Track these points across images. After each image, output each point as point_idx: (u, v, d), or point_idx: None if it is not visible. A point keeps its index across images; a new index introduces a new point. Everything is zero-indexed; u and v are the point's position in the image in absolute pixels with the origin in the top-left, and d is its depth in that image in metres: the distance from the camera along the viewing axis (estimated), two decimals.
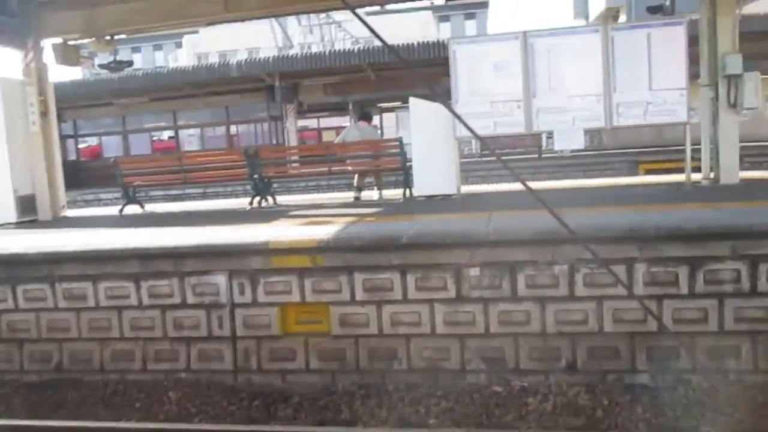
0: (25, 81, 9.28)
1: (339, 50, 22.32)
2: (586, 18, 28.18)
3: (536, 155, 21.44)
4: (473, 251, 5.30)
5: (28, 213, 9.21)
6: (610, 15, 26.10)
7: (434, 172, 8.37)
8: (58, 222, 9.11)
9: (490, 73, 8.01)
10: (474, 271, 5.31)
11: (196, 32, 41.80)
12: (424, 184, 8.50)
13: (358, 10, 3.21)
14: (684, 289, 5.01)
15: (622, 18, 24.93)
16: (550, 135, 10.80)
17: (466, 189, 9.91)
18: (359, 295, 5.51)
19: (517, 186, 10.00)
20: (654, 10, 8.88)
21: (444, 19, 48.07)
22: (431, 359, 5.44)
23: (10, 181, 8.94)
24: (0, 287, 6.24)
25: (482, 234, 5.34)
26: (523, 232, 5.24)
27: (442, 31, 45.06)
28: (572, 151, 17.14)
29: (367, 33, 34.62)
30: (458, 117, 2.99)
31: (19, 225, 8.87)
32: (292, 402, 5.36)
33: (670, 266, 5.01)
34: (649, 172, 16.17)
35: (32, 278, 6.16)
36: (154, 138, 27.43)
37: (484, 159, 21.14)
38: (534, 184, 11.21)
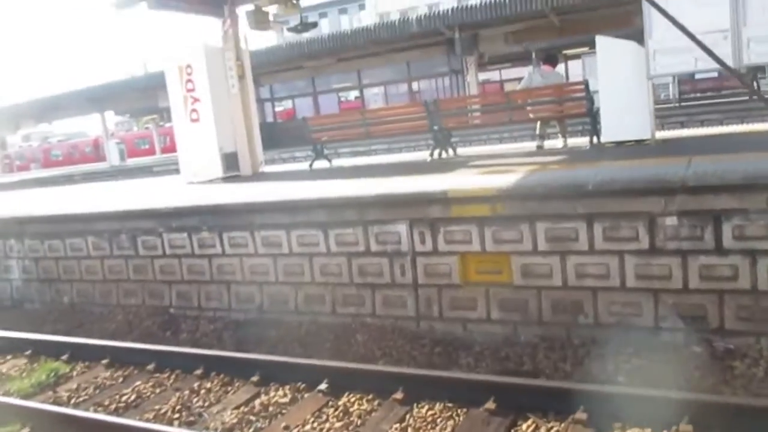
0: (224, 47, 10.08)
1: None
2: None
3: (746, 97, 19.04)
4: (669, 198, 4.82)
5: (231, 169, 10.10)
6: None
7: (625, 115, 7.74)
8: (257, 177, 9.87)
9: (690, 2, 7.13)
10: (670, 221, 4.84)
11: None
12: (614, 129, 7.90)
13: None
14: None
15: None
16: (762, 75, 9.45)
17: (662, 135, 9.08)
18: (541, 245, 5.30)
19: (725, 129, 8.95)
20: None
21: None
22: (620, 314, 5.10)
23: (216, 139, 9.85)
24: (209, 234, 6.93)
25: (680, 179, 4.83)
26: (730, 176, 4.64)
27: None
28: None
29: None
30: (670, 17, 2.67)
31: (225, 180, 9.76)
32: (473, 351, 5.36)
33: None
34: None
35: (235, 226, 6.76)
36: (342, 98, 28.68)
37: (683, 104, 19.27)
38: (742, 128, 9.98)
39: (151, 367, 5.59)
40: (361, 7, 49.88)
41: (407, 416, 4.25)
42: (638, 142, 7.75)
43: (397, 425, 4.15)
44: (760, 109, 16.56)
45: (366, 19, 48.21)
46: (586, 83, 8.23)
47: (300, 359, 5.24)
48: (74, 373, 5.83)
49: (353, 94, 29.05)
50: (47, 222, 8.22)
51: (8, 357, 6.44)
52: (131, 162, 33.68)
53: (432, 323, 5.84)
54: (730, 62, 7.14)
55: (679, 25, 2.61)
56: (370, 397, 4.56)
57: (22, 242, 8.49)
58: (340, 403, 4.55)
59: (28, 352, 6.38)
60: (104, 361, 5.87)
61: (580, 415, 3.86)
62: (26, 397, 5.30)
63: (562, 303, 5.31)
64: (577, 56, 24.42)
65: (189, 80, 9.86)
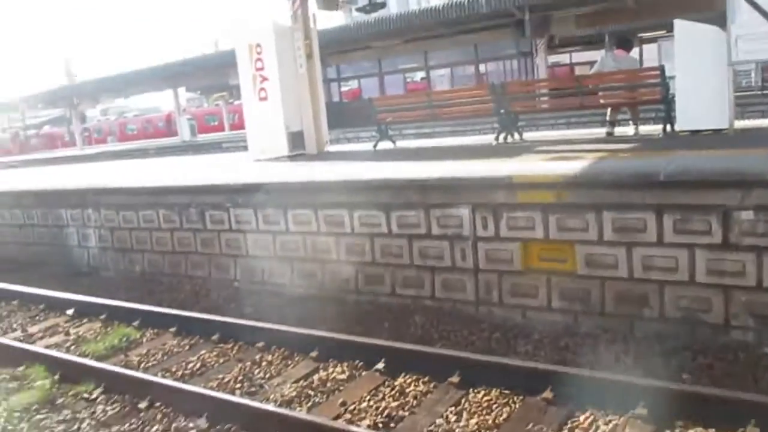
0: (293, 26, 10.18)
1: None
2: None
3: None
4: (746, 192, 4.62)
5: (297, 147, 10.26)
6: None
7: (702, 103, 7.42)
8: (322, 156, 9.99)
9: None
10: (746, 215, 4.64)
11: None
12: (689, 117, 7.60)
13: None
14: None
15: None
16: None
17: (742, 124, 8.67)
18: (607, 235, 5.18)
19: None
20: None
21: None
22: (688, 309, 4.95)
23: (283, 118, 10.01)
24: (273, 210, 7.08)
25: (759, 172, 4.61)
26: None
27: None
28: None
29: None
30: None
31: (291, 158, 9.92)
32: (532, 338, 5.31)
33: None
34: None
35: (299, 204, 6.88)
36: (408, 79, 28.57)
37: (766, 92, 18.29)
38: None
39: (215, 337, 5.79)
40: None
41: (462, 400, 4.27)
42: (715, 131, 7.43)
43: (453, 408, 4.17)
44: None
45: None
46: (661, 68, 7.92)
47: (358, 337, 5.32)
48: (144, 339, 6.11)
49: (419, 75, 28.87)
50: (122, 194, 8.59)
51: (84, 320, 6.80)
52: (201, 137, 34.59)
53: (491, 308, 5.82)
54: None
55: (763, 12, 2.48)
56: (426, 379, 4.59)
57: (99, 212, 8.90)
58: (396, 383, 4.60)
59: (102, 317, 6.71)
60: (172, 329, 6.12)
61: (640, 410, 3.78)
62: (100, 359, 5.59)
63: (626, 295, 5.19)
64: (652, 40, 23.44)
65: (258, 59, 10.02)
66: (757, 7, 2.16)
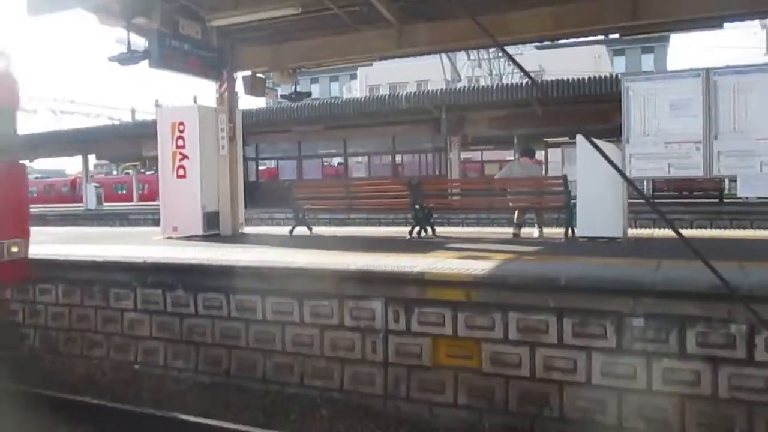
0: (218, 108, 10.32)
1: (506, 84, 22.24)
2: None
3: (716, 199, 19.77)
4: (637, 300, 5.00)
5: (212, 227, 10.17)
6: None
7: (599, 212, 8.04)
8: (237, 238, 9.93)
9: (666, 112, 7.55)
10: (637, 322, 5.01)
11: (370, 65, 43.86)
12: (588, 224, 8.19)
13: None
14: None
15: None
16: (733, 179, 9.95)
17: (635, 232, 9.39)
18: (512, 335, 5.41)
19: (693, 233, 9.31)
20: None
21: (619, 53, 46.19)
22: (585, 410, 5.18)
23: (200, 197, 9.94)
24: (183, 293, 6.92)
25: (648, 282, 5.03)
26: (696, 284, 4.85)
27: (617, 66, 43.31)
28: (759, 198, 15.57)
29: (536, 67, 34.22)
30: (600, 150, 2.89)
31: (205, 238, 9.79)
32: None
33: None
34: None
35: (210, 287, 6.77)
36: (326, 163, 29.06)
37: (657, 200, 19.89)
38: (711, 232, 10.37)
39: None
40: (353, 76, 51.22)
41: None
42: (611, 239, 8.02)
43: None
44: (730, 213, 17.20)
45: (356, 88, 49.44)
46: (564, 178, 8.56)
47: (259, 429, 5.19)
48: None
49: (337, 160, 29.47)
50: None
51: None
52: (108, 207, 33.43)
53: (399, 403, 5.84)
54: (700, 171, 7.56)
55: (601, 152, 2.84)
56: None
57: None
58: None
59: None
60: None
61: None
62: None
63: (528, 394, 5.38)
64: (557, 145, 25.20)
65: (180, 137, 10.03)
66: (596, 147, 2.51)
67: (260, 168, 29.74)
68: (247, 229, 11.50)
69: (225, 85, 10.37)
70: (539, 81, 22.08)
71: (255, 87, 10.87)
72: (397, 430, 5.47)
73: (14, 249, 6.70)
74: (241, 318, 6.61)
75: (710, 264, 2.61)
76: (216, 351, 6.76)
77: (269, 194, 23.78)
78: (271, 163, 30.74)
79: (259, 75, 11.09)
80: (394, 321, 5.84)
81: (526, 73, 2.70)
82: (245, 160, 26.34)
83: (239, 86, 10.90)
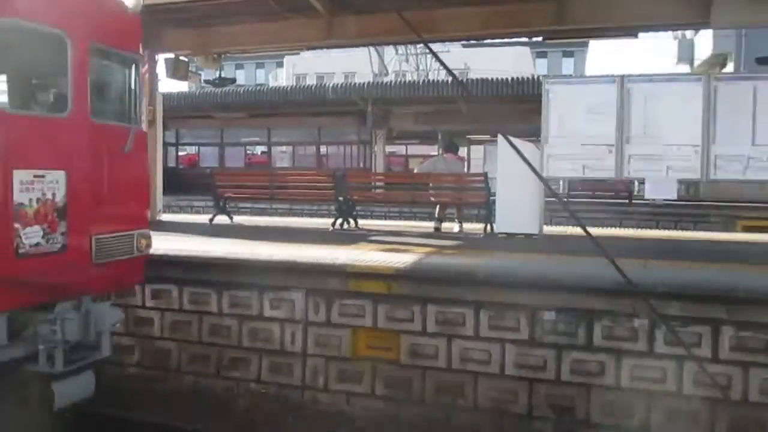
0: None
1: (432, 80, 22.54)
2: (691, 63, 27.12)
3: (626, 200, 20.77)
4: (550, 294, 5.21)
5: None
6: (718, 62, 25.10)
7: (517, 210, 8.28)
8: (155, 225, 9.58)
9: (583, 116, 7.88)
10: (549, 315, 5.22)
11: (298, 54, 43.35)
12: (506, 221, 8.42)
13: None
14: None
15: (730, 67, 23.96)
16: (642, 182, 10.51)
17: (550, 229, 9.74)
18: (431, 327, 5.52)
19: (606, 231, 9.77)
20: (763, 61, 8.47)
21: (541, 55, 47.63)
22: (498, 400, 5.36)
23: None
24: None
25: (561, 278, 5.25)
26: (603, 281, 5.09)
27: (539, 68, 44.65)
28: (665, 200, 16.50)
29: (461, 65, 34.77)
30: (519, 151, 3.02)
31: None
32: (354, 425, 5.41)
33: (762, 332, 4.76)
34: (747, 229, 15.29)
35: None
36: (249, 152, 28.54)
37: (572, 200, 20.69)
38: (620, 231, 10.92)
39: None
40: (279, 64, 50.44)
41: None
42: (528, 235, 8.29)
43: None
44: (638, 214, 18.14)
45: (282, 77, 48.73)
46: (485, 175, 8.77)
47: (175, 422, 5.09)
48: None
49: (260, 149, 29.02)
50: None
51: None
52: None
53: (317, 394, 5.85)
54: (612, 174, 7.92)
55: (525, 160, 2.97)
56: None
57: None
58: None
59: None
60: None
61: None
62: None
63: (445, 384, 5.51)
64: (480, 142, 25.77)
65: None
66: (514, 147, 2.65)
67: (180, 154, 28.88)
68: (165, 217, 11.16)
69: (145, 67, 9.99)
70: (464, 79, 22.51)
71: (177, 70, 10.54)
72: (314, 421, 5.47)
73: (143, 242, 5.27)
74: (155, 308, 6.42)
75: (615, 261, 2.75)
76: (125, 340, 6.54)
77: (189, 181, 23.15)
78: (192, 149, 29.90)
79: (182, 58, 10.76)
80: (315, 312, 5.84)
81: (449, 71, 2.76)
82: (165, 145, 25.55)
83: (161, 69, 10.55)
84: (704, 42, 25.21)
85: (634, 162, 7.75)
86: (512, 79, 19.70)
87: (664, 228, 14.50)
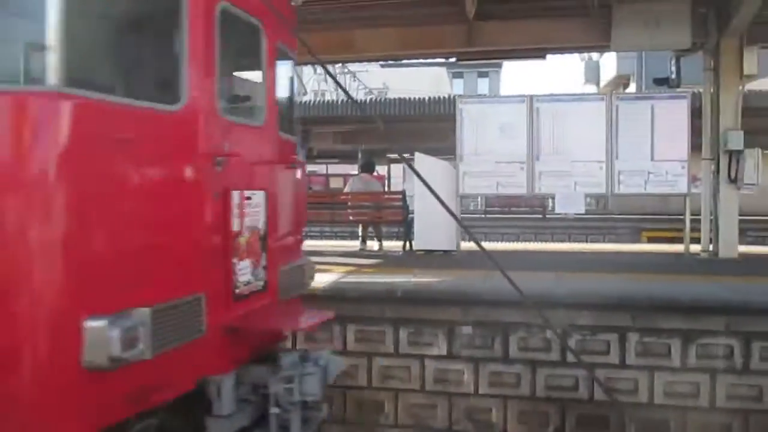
0: None
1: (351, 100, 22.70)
2: (597, 84, 28.58)
3: (541, 215, 21.54)
4: (466, 310, 5.31)
5: None
6: (621, 83, 26.55)
7: (435, 227, 8.40)
8: None
9: (496, 134, 8.14)
10: (466, 330, 5.31)
11: None
12: (425, 238, 8.54)
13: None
14: (676, 362, 5.01)
15: (632, 87, 25.42)
16: (552, 197, 10.93)
17: (467, 246, 9.95)
18: (351, 346, 5.51)
19: (520, 246, 10.08)
20: (660, 81, 9.02)
21: (457, 75, 48.89)
22: (418, 416, 5.39)
23: None
24: None
25: (477, 293, 5.37)
26: (517, 294, 5.23)
27: (455, 87, 45.78)
28: (576, 215, 17.22)
29: (380, 85, 35.21)
30: (415, 171, 3.11)
31: None
32: None
33: (663, 337, 5.02)
34: (651, 240, 16.18)
35: None
36: None
37: (488, 216, 21.25)
38: (534, 246, 11.31)
39: None
40: None
41: None
42: (446, 252, 8.42)
43: None
44: (552, 228, 18.83)
45: None
46: (403, 193, 8.89)
47: None
48: None
49: None
50: None
51: None
52: None
53: None
54: (524, 190, 8.20)
55: (420, 178, 3.07)
56: None
57: None
58: None
59: None
60: None
61: None
62: None
63: (366, 403, 5.49)
64: (399, 161, 26.07)
65: None
66: (410, 166, 2.75)
67: None
68: None
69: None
70: (383, 98, 22.73)
71: None
72: None
73: (311, 273, 4.50)
74: None
75: (508, 275, 2.85)
76: None
77: None
78: None
79: None
80: None
81: (345, 91, 2.81)
82: None
83: None
84: (609, 63, 26.63)
85: (545, 178, 8.05)
86: (429, 98, 20.12)
87: (576, 241, 15.14)
